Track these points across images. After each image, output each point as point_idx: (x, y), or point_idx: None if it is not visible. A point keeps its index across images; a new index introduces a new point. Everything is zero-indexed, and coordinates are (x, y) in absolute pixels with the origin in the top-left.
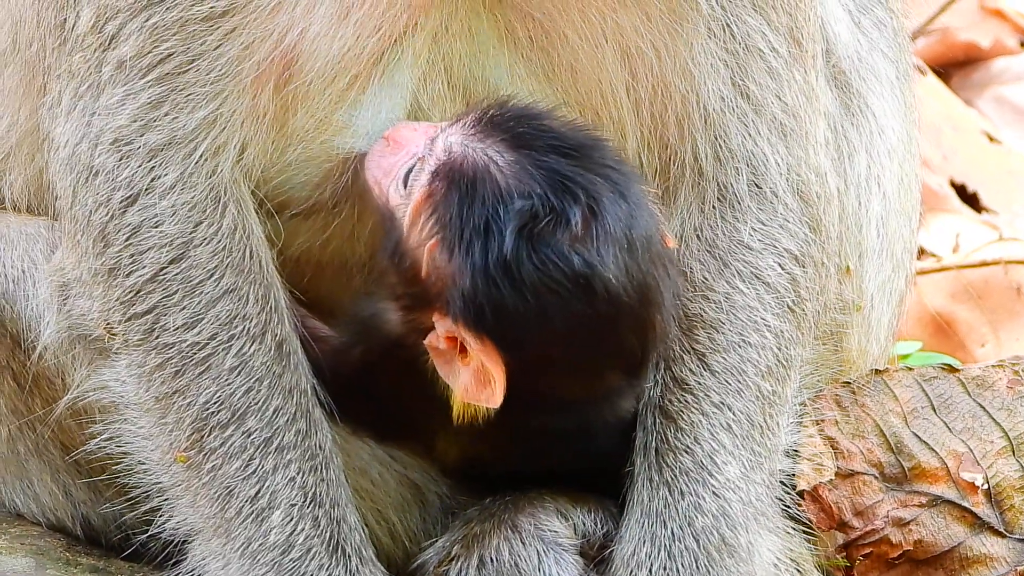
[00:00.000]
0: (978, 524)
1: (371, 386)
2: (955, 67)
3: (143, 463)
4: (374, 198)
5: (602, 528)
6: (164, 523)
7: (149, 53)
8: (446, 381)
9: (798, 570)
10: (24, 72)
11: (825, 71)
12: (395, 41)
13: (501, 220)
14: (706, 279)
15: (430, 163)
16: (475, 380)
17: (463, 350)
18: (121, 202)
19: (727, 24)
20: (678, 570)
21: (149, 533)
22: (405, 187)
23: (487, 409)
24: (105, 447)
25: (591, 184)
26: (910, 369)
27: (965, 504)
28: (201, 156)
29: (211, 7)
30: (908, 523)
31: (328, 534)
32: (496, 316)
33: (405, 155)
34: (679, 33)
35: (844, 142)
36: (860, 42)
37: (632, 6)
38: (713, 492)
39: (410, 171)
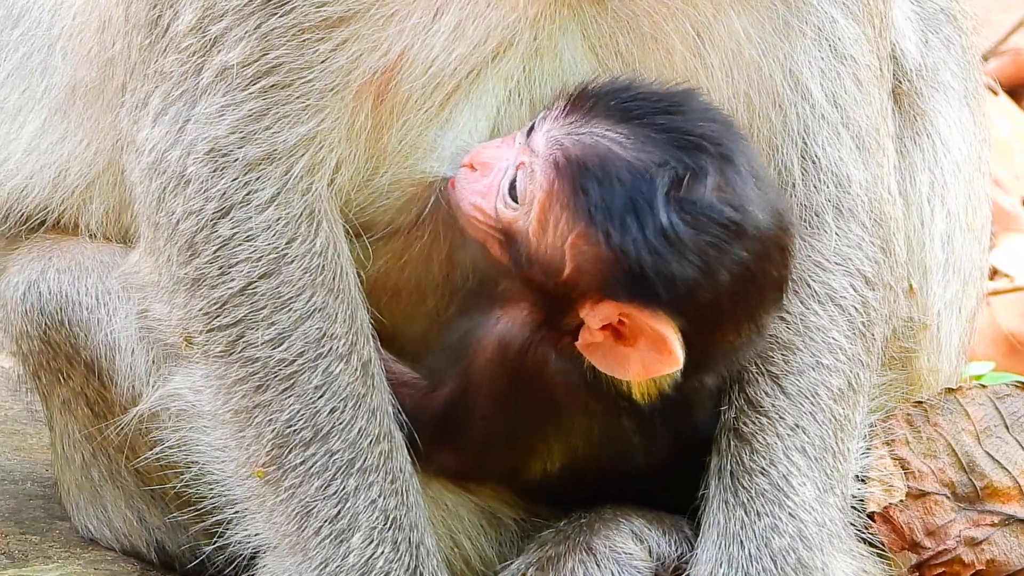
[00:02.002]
0: None
1: (464, 416)
2: None
3: (214, 475)
4: (472, 227)
5: (677, 550)
6: (232, 536)
7: (256, 61)
8: (611, 373)
9: None
10: (105, 76)
11: (890, 87)
12: (495, 53)
13: (645, 193)
14: None
15: (539, 163)
16: (651, 352)
17: (619, 335)
18: (214, 213)
19: (830, 30)
20: None
21: (216, 545)
22: (515, 199)
23: (673, 376)
24: (172, 456)
25: (709, 132)
26: (983, 387)
27: None
28: (298, 173)
29: (330, 11)
30: (980, 542)
31: (407, 558)
32: (665, 285)
33: (498, 171)
34: (787, 34)
35: (906, 160)
36: (927, 60)
37: (744, 12)
38: (789, 513)
39: (513, 182)
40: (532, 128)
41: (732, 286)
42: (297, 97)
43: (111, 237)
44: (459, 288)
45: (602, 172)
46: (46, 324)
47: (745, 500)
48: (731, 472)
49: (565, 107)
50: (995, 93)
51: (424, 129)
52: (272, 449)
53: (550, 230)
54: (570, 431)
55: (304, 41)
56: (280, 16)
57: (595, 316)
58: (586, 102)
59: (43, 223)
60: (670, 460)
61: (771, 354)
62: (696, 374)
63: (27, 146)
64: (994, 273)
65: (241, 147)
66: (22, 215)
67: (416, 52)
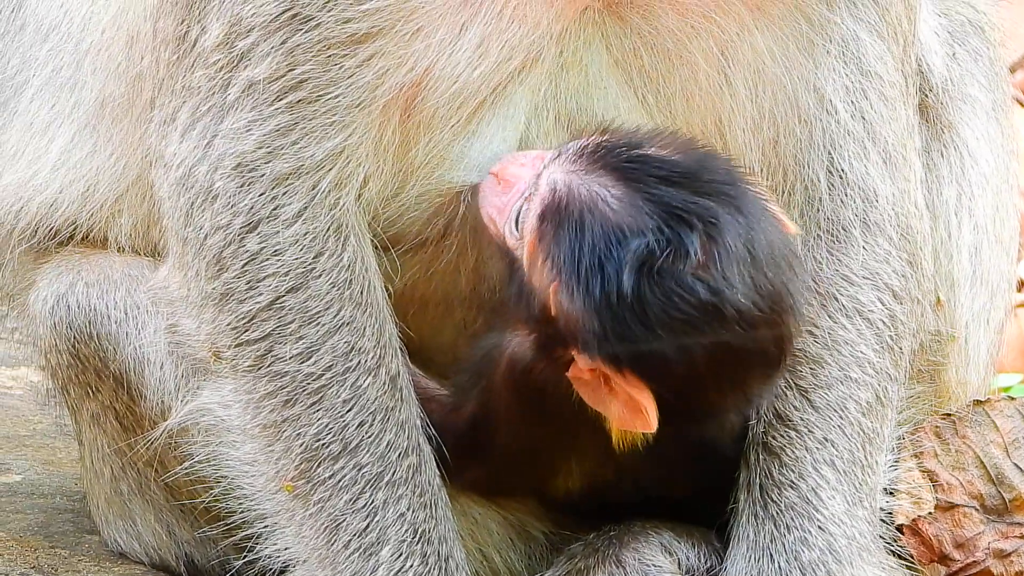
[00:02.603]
0: None
1: (487, 432)
2: None
3: (243, 489)
4: (491, 235)
5: (706, 563)
6: (262, 550)
7: (283, 77)
8: (596, 409)
9: None
10: (134, 91)
11: (916, 102)
12: (521, 69)
13: (615, 259)
14: (809, 313)
15: (535, 203)
16: (626, 409)
17: (607, 381)
18: (241, 228)
19: (854, 47)
20: None
21: (246, 560)
22: (518, 228)
23: (647, 436)
24: (201, 470)
25: (705, 208)
26: (1012, 399)
27: None
28: (325, 187)
29: (355, 27)
30: (1009, 554)
31: (436, 571)
32: (631, 352)
33: (515, 194)
34: (812, 52)
35: (933, 173)
36: (953, 72)
37: (767, 30)
38: (819, 527)
39: (520, 211)
40: (552, 160)
41: (711, 363)
42: (324, 112)
43: (139, 251)
44: (486, 300)
45: (580, 228)
46: (75, 338)
47: (774, 513)
48: (760, 485)
49: (580, 150)
50: (1022, 104)
51: (452, 141)
52: (301, 463)
53: (536, 272)
54: (584, 456)
55: (330, 57)
56: (306, 32)
57: (582, 361)
58: (597, 150)
59: (72, 237)
60: (695, 484)
61: (799, 368)
62: (690, 425)
63: (56, 161)
64: (1021, 285)
65: (268, 162)
66: (51, 229)
67: (442, 68)
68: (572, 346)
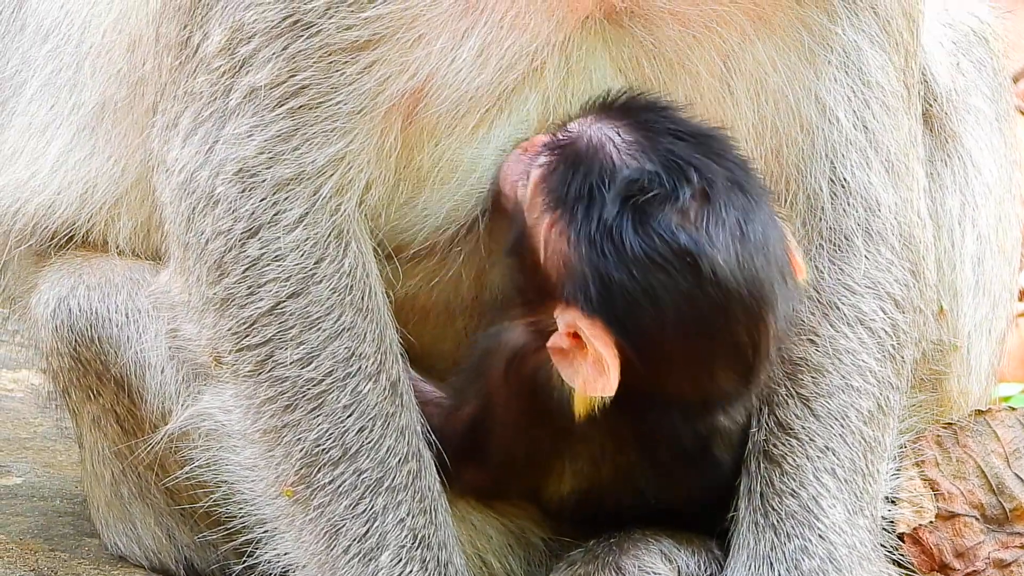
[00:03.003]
0: None
1: (485, 434)
2: None
3: (243, 494)
4: (506, 204)
5: (706, 571)
6: (262, 555)
7: (284, 83)
8: (568, 382)
9: None
10: (135, 95)
11: (919, 112)
12: (524, 78)
13: (605, 187)
14: (811, 321)
15: (549, 145)
16: (591, 368)
17: (581, 344)
18: (242, 234)
19: (856, 57)
20: None
21: (246, 565)
22: (528, 179)
23: (604, 400)
24: (201, 475)
25: (708, 169)
26: (1013, 409)
27: None
28: (327, 193)
29: (356, 34)
30: (1009, 564)
31: None
32: (603, 289)
33: (534, 154)
34: (813, 62)
35: (936, 183)
36: (957, 82)
37: (769, 40)
38: (819, 535)
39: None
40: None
41: (680, 322)
42: (325, 118)
43: (140, 254)
44: (488, 309)
45: (580, 159)
46: (76, 341)
47: (775, 522)
48: (761, 494)
49: (604, 103)
50: (1023, 114)
51: (460, 149)
52: (301, 468)
53: (536, 210)
54: (577, 456)
55: (331, 63)
56: (307, 38)
57: (562, 319)
58: (622, 105)
59: (71, 239)
60: (693, 493)
61: (801, 376)
62: (650, 418)
63: (55, 162)
64: (1022, 295)
65: (269, 167)
66: (49, 231)
67: (444, 75)
68: (556, 300)
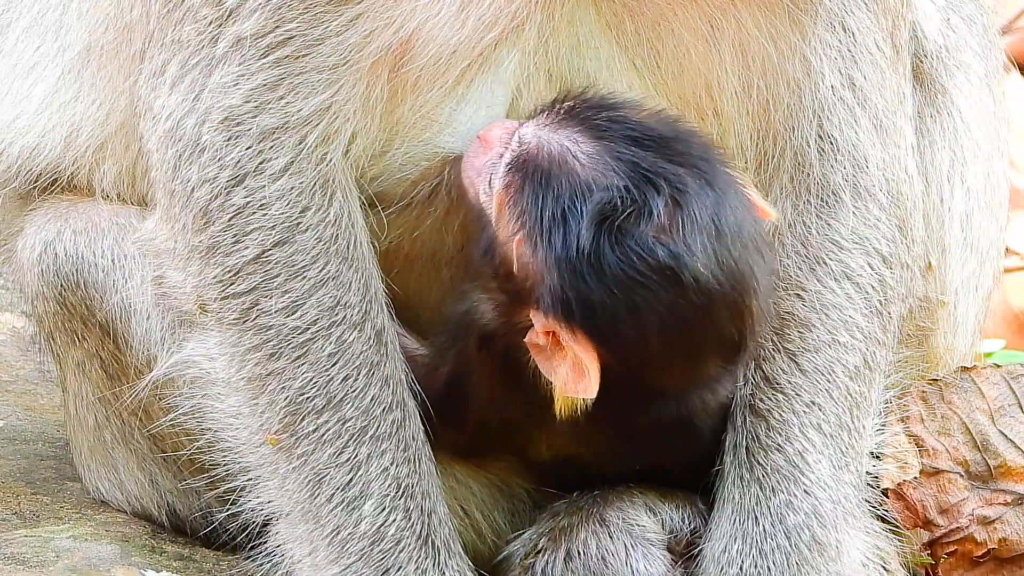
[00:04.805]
0: None
1: (463, 396)
2: None
3: (227, 442)
4: (469, 198)
5: (690, 524)
6: (245, 503)
7: (270, 33)
8: (547, 377)
9: (884, 568)
10: (122, 40)
11: (909, 70)
12: (505, 35)
13: (578, 212)
14: (798, 276)
15: (507, 157)
16: (571, 372)
17: (560, 344)
18: (228, 181)
19: (842, 17)
20: (769, 568)
21: (229, 512)
22: (490, 185)
23: (585, 402)
24: (186, 422)
25: (674, 174)
26: (998, 366)
27: None
28: (313, 143)
29: None
30: (993, 521)
31: (419, 526)
32: (584, 309)
33: (494, 154)
34: (798, 24)
35: (926, 139)
36: (948, 38)
37: (752, 2)
38: (804, 490)
39: (494, 168)
40: (529, 119)
41: (664, 331)
42: (310, 69)
43: (126, 199)
44: (473, 259)
45: (547, 180)
46: (62, 285)
47: (760, 476)
48: (747, 448)
49: (555, 109)
50: (1007, 71)
51: (439, 104)
52: (285, 416)
53: (503, 226)
54: (552, 431)
55: (316, 15)
56: None
57: (537, 321)
58: (572, 109)
59: (55, 182)
60: (675, 458)
61: (788, 331)
62: (635, 409)
63: (39, 104)
64: (1005, 252)
65: (255, 116)
66: (33, 173)
67: (428, 31)
68: (530, 304)
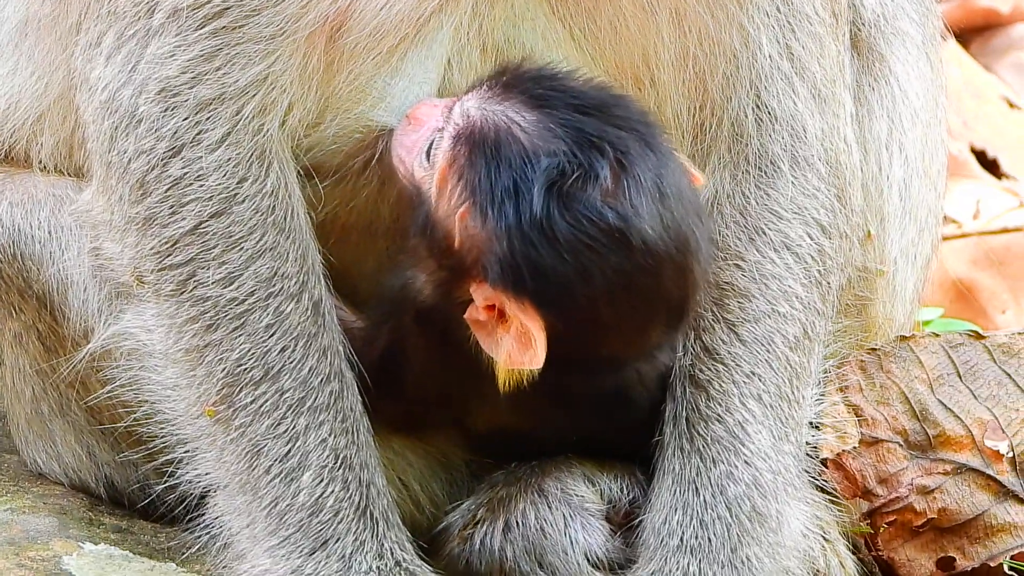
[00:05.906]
0: (1002, 492)
1: (399, 369)
2: (974, 33)
3: (165, 414)
4: (400, 176)
5: (628, 495)
6: (183, 475)
7: (207, 3)
8: (489, 352)
9: (824, 538)
10: (59, 12)
11: (847, 39)
12: (441, 7)
13: (529, 180)
14: (737, 247)
15: (449, 131)
16: (516, 343)
17: (502, 317)
18: (164, 153)
19: None
20: (710, 539)
21: (166, 484)
22: (428, 160)
23: (531, 372)
24: (123, 394)
25: (617, 138)
26: (936, 335)
27: (990, 472)
28: (250, 114)
29: None
30: (932, 491)
31: (357, 497)
32: (535, 277)
33: (426, 130)
34: None
35: (864, 107)
36: (886, 6)
37: None
38: (745, 461)
39: (431, 144)
40: (466, 94)
41: (612, 295)
42: (247, 40)
43: (63, 171)
44: (409, 236)
45: (495, 151)
46: None
47: (701, 447)
48: (687, 419)
49: (493, 81)
50: (945, 38)
51: (373, 76)
52: (222, 388)
53: (445, 199)
54: (487, 401)
55: None
56: None
57: (479, 294)
58: (511, 81)
59: None
60: (613, 429)
61: (727, 301)
62: (579, 377)
63: None
64: (944, 220)
65: (192, 87)
66: None
67: (365, 2)
68: (472, 278)
